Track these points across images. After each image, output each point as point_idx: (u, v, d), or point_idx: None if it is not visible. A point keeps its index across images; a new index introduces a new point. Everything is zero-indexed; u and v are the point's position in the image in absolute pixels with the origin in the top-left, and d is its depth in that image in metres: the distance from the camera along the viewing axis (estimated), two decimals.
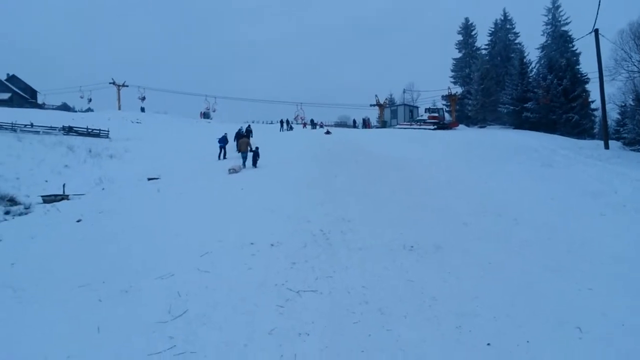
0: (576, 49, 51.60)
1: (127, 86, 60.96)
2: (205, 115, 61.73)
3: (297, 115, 50.89)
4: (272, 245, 9.40)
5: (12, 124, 30.13)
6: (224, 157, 23.77)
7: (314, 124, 49.93)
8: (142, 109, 58.48)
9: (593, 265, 8.52)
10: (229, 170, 19.01)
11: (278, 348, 5.20)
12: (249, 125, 32.11)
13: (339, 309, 6.49)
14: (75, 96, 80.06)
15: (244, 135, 24.16)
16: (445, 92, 54.15)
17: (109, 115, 44.98)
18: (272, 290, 7.11)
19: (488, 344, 5.37)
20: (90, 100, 62.61)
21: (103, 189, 17.34)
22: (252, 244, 9.43)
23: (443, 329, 5.84)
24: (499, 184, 16.17)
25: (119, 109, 57.85)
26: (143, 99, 60.02)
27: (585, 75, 43.67)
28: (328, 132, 27.70)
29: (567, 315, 6.27)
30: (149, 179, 18.65)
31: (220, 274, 7.50)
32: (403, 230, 10.49)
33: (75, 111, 62.64)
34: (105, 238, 9.47)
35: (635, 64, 29.76)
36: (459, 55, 63.63)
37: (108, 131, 34.19)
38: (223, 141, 24.65)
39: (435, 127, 42.34)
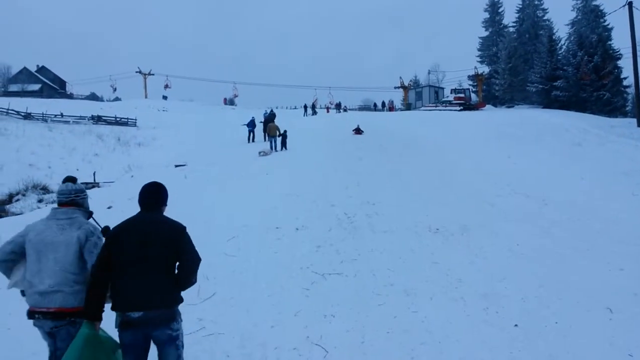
0: (608, 24, 49.57)
1: (153, 75, 61.81)
2: (230, 101, 62.13)
3: (316, 99, 50.55)
4: (297, 229, 9.47)
5: (42, 114, 30.95)
6: (253, 141, 24.24)
7: (338, 108, 49.72)
8: (165, 97, 59.12)
9: (624, 245, 8.31)
10: (260, 153, 19.66)
11: (304, 329, 5.26)
12: (272, 110, 32.23)
13: (364, 291, 6.51)
14: (103, 86, 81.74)
15: (271, 120, 24.43)
16: (472, 72, 53.09)
17: (136, 104, 45.74)
18: (298, 274, 7.18)
19: (515, 325, 5.32)
20: (115, 89, 63.65)
21: (132, 176, 17.71)
22: (277, 228, 9.51)
23: (469, 310, 5.81)
24: (527, 165, 15.85)
25: (146, 97, 58.79)
26: (166, 87, 60.68)
27: (618, 51, 42.11)
28: (359, 131, 24.81)
29: (597, 296, 6.14)
30: (176, 166, 18.96)
31: (246, 258, 7.61)
32: (429, 212, 10.41)
33: (103, 100, 63.88)
34: None
35: None
36: (485, 33, 62.08)
37: (135, 120, 34.79)
38: (251, 125, 25.26)
39: (462, 108, 41.52)
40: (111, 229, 3.33)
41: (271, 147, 21.10)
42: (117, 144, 25.64)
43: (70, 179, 3.62)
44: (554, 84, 42.80)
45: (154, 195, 3.41)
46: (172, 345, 3.16)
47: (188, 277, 3.25)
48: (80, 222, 3.37)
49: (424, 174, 14.73)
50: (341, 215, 10.37)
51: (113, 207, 12.27)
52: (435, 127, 26.19)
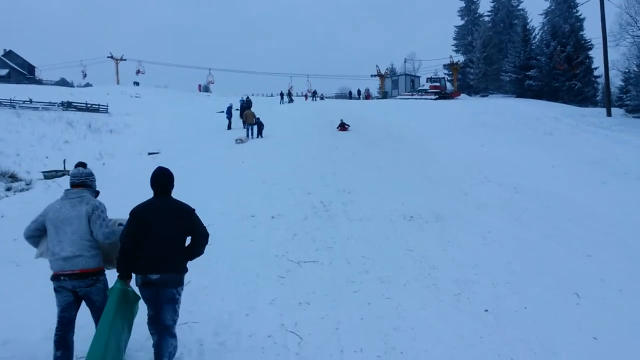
0: (580, 14, 50.54)
1: (125, 60, 60.18)
2: (205, 88, 61.15)
3: (291, 87, 50.03)
4: (273, 217, 9.45)
5: (10, 100, 29.90)
6: (230, 128, 24.15)
7: (314, 96, 49.48)
8: (136, 83, 57.65)
9: (592, 232, 8.56)
10: (236, 140, 19.67)
11: (279, 317, 5.27)
12: (248, 97, 31.96)
13: (339, 278, 6.56)
14: (74, 71, 79.41)
15: (247, 108, 24.46)
16: (447, 61, 53.48)
17: (107, 90, 44.54)
18: (273, 262, 7.18)
19: (486, 311, 5.44)
20: (85, 75, 61.75)
21: (103, 164, 17.30)
22: (253, 216, 9.48)
23: (442, 296, 5.91)
24: (500, 153, 16.11)
25: (118, 83, 57.28)
26: (138, 72, 59.18)
27: (589, 42, 42.99)
28: (344, 127, 22.15)
29: (566, 281, 6.33)
30: (150, 154, 18.64)
31: (221, 246, 7.54)
32: (404, 200, 10.51)
33: (74, 86, 62.03)
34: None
35: None
36: (461, 22, 62.63)
37: (107, 106, 33.94)
38: (229, 112, 25.25)
39: (437, 96, 41.90)
40: (134, 209, 3.99)
41: (248, 135, 21.15)
42: (88, 130, 24.96)
43: (81, 164, 4.33)
44: (528, 73, 43.43)
45: (166, 183, 4.19)
46: (172, 302, 3.98)
47: (198, 249, 4.14)
48: (87, 199, 4.04)
49: (399, 162, 14.85)
50: (317, 204, 10.39)
51: None
52: (411, 116, 26.36)
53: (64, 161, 18.45)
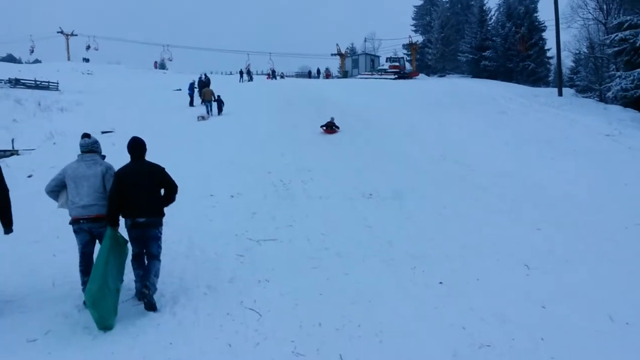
0: None
1: (76, 35, 57.46)
2: (161, 65, 59.24)
3: (249, 65, 48.85)
4: (232, 196, 9.39)
5: None
6: (192, 105, 23.83)
7: (274, 75, 48.84)
8: (86, 60, 55.20)
9: (542, 207, 8.92)
10: (198, 117, 19.66)
11: (238, 295, 5.28)
12: (206, 75, 31.28)
13: (298, 256, 6.62)
14: (21, 47, 75.09)
15: (206, 85, 24.18)
16: (406, 41, 53.74)
17: (58, 66, 42.55)
18: (233, 240, 7.16)
19: (440, 283, 5.63)
20: (32, 50, 58.65)
21: (54, 143, 16.63)
22: (211, 195, 9.39)
23: (399, 270, 6.07)
24: (457, 132, 16.44)
25: (69, 59, 54.75)
26: (88, 48, 56.59)
27: (543, 23, 44.05)
28: (332, 128, 16.79)
29: (516, 254, 6.60)
30: (103, 132, 17.99)
31: (180, 226, 7.46)
32: (363, 178, 10.65)
33: (22, 62, 58.83)
34: None
35: (591, 11, 30.08)
36: (420, 2, 62.77)
37: (58, 83, 32.52)
38: (191, 89, 24.92)
39: (396, 76, 42.21)
40: (117, 172, 5.01)
41: (207, 112, 20.98)
42: (38, 109, 23.88)
43: (86, 135, 6.18)
44: (484, 54, 44.27)
45: (138, 148, 5.16)
46: (156, 239, 5.13)
47: (171, 197, 5.27)
48: (100, 162, 5.11)
49: (359, 141, 14.95)
50: (277, 182, 10.38)
51: (34, 175, 11.48)
52: (371, 96, 26.45)
53: (12, 140, 17.65)
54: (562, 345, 4.20)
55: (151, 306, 4.82)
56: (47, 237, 7.17)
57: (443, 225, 7.90)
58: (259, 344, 4.28)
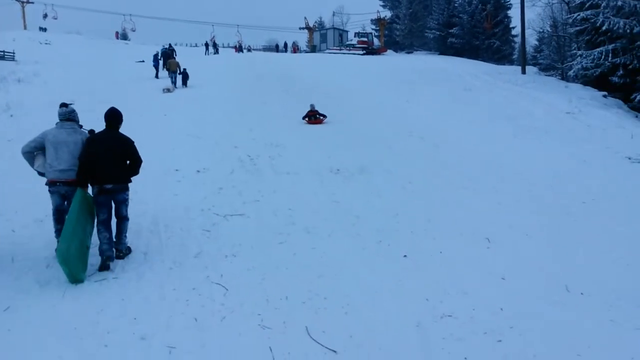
0: None
1: (32, 2, 54.41)
2: (123, 36, 57.00)
3: (214, 37, 47.39)
4: (198, 171, 9.26)
5: None
6: (157, 77, 23.25)
7: (240, 48, 47.80)
8: (43, 29, 52.50)
9: (503, 182, 9.17)
10: (163, 90, 19.15)
11: (204, 270, 5.26)
12: (171, 45, 30.38)
13: (266, 231, 6.61)
14: None
15: (171, 56, 23.68)
16: (375, 16, 53.47)
17: (13, 35, 40.30)
18: (199, 215, 7.09)
19: (405, 256, 5.75)
20: None
21: (11, 115, 15.90)
22: (177, 170, 9.23)
23: (365, 244, 6.16)
24: (423, 109, 16.60)
25: (25, 28, 51.91)
26: (45, 16, 53.80)
27: (508, 1, 44.60)
28: (317, 117, 14.59)
29: (478, 228, 6.78)
30: (62, 105, 17.35)
31: (144, 201, 7.33)
32: (330, 154, 10.65)
33: None
34: (17, 169, 8.83)
35: None
36: None
37: (14, 53, 30.90)
38: (155, 60, 24.35)
39: (364, 52, 42.12)
40: (90, 137, 5.57)
41: (172, 84, 20.52)
42: None
43: (64, 105, 6.97)
44: (450, 31, 44.61)
45: (114, 119, 5.53)
46: (124, 202, 5.56)
47: (135, 170, 5.58)
48: (80, 131, 5.60)
49: (329, 118, 14.88)
50: (244, 157, 10.28)
51: None
52: (339, 71, 26.33)
53: None
54: (520, 315, 4.38)
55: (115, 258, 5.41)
56: (6, 212, 6.91)
57: (408, 200, 8.03)
58: (225, 318, 4.30)
